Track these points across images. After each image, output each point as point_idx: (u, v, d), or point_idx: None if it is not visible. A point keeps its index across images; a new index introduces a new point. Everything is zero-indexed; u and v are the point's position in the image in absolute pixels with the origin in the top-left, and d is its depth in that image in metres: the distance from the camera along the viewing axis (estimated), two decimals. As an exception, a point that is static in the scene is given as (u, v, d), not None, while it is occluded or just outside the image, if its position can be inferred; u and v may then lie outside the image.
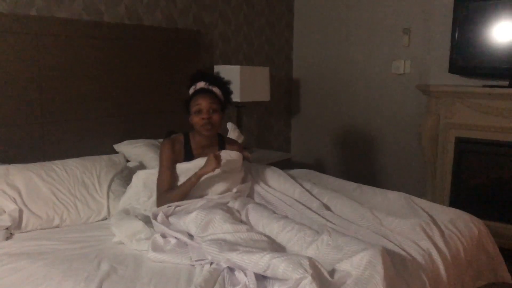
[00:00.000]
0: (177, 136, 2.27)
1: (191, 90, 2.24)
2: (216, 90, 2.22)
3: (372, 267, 1.48)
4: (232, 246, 1.65)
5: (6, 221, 1.96)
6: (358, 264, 1.51)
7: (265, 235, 1.81)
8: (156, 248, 1.74)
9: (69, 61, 2.52)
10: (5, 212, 2.00)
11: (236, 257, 1.54)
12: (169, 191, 2.11)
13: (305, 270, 1.40)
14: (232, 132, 2.77)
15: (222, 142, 2.32)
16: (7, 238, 1.94)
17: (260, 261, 1.49)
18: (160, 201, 2.09)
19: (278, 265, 1.45)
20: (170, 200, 2.07)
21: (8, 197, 2.03)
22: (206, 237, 1.76)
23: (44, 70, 2.43)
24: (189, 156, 2.21)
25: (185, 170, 2.14)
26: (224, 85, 2.27)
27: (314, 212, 2.12)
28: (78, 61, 2.56)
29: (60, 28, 2.47)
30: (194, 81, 2.25)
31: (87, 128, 2.64)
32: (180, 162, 2.19)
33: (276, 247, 1.74)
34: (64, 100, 2.52)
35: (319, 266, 1.48)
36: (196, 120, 2.16)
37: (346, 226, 1.99)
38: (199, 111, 2.15)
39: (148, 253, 1.73)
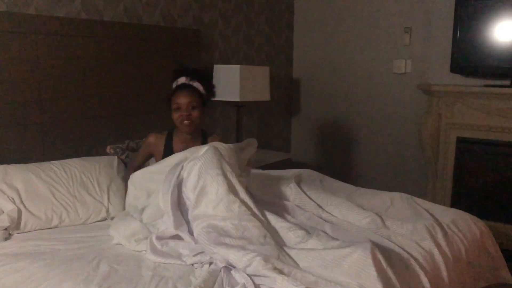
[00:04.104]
0: (162, 132, 2.33)
1: (174, 85, 2.27)
2: (197, 85, 2.25)
3: (364, 272, 1.47)
4: (219, 237, 1.66)
5: (4, 221, 1.94)
6: (348, 270, 1.50)
7: (260, 216, 1.82)
8: (154, 250, 1.73)
9: (68, 60, 2.51)
10: (3, 212, 1.98)
11: (222, 251, 1.57)
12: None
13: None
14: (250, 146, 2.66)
15: (204, 137, 2.35)
16: (6, 239, 1.93)
17: (243, 258, 1.52)
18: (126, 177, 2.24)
19: (257, 266, 1.48)
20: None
21: (6, 197, 2.02)
22: (200, 224, 1.75)
23: (43, 69, 2.41)
24: (168, 152, 2.24)
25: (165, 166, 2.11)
26: (206, 79, 2.31)
27: (314, 213, 2.11)
28: (77, 60, 2.55)
29: (59, 27, 2.46)
30: (175, 76, 2.28)
31: (86, 127, 2.63)
32: (158, 156, 2.28)
33: (265, 233, 1.74)
34: (63, 99, 2.51)
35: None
36: (175, 116, 2.21)
37: (346, 227, 1.98)
38: (178, 108, 2.19)
39: (146, 254, 1.73)
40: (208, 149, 1.97)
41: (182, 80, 2.26)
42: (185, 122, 2.20)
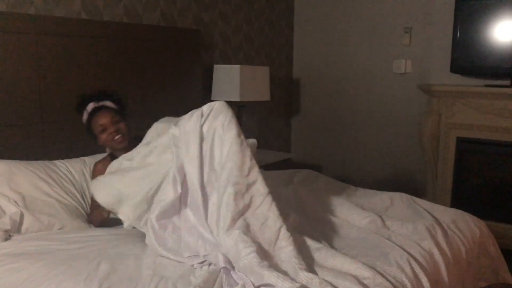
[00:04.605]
0: (104, 158, 2.26)
1: (85, 115, 2.24)
2: (107, 103, 2.24)
3: None
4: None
5: (6, 224, 1.94)
6: None
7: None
8: (158, 240, 1.74)
9: (68, 60, 2.51)
10: (5, 213, 1.98)
11: (227, 241, 1.59)
12: (100, 211, 2.09)
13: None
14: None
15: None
16: (6, 239, 1.92)
17: (241, 252, 1.54)
18: (93, 218, 2.14)
19: (252, 263, 1.51)
20: (99, 219, 2.11)
21: (9, 199, 2.01)
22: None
23: (43, 69, 2.41)
24: None
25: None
26: (111, 95, 2.28)
27: (314, 214, 2.11)
28: (77, 60, 2.55)
29: (58, 27, 2.46)
30: (82, 106, 2.24)
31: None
32: None
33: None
34: (63, 99, 2.51)
35: None
36: (104, 138, 2.18)
37: (346, 227, 1.99)
38: (104, 130, 2.17)
39: (149, 241, 1.74)
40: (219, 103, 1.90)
41: (91, 106, 2.23)
42: (116, 138, 2.17)
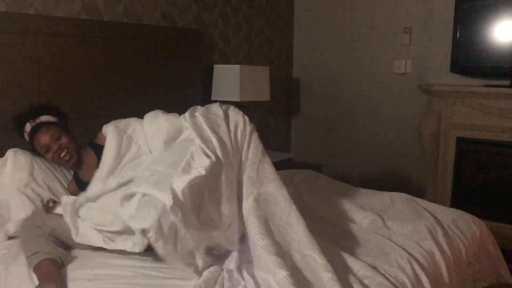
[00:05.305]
0: (72, 179, 2.19)
1: (25, 136, 2.08)
2: (45, 118, 2.06)
3: None
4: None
5: (10, 230, 1.94)
6: None
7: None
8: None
9: (68, 60, 2.51)
10: (10, 214, 1.98)
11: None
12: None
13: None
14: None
15: (96, 147, 2.15)
16: (8, 239, 1.93)
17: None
18: None
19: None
20: None
21: (27, 199, 2.01)
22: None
23: (43, 69, 2.41)
24: (83, 185, 2.05)
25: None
26: (47, 108, 2.11)
27: (314, 215, 2.11)
28: (77, 61, 2.55)
29: (59, 27, 2.46)
30: (20, 127, 2.08)
31: (86, 127, 2.62)
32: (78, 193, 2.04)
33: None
34: (63, 99, 2.50)
35: None
36: (50, 157, 2.04)
37: (347, 227, 1.99)
38: (47, 150, 2.02)
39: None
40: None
41: (28, 126, 2.05)
42: (62, 156, 2.03)
